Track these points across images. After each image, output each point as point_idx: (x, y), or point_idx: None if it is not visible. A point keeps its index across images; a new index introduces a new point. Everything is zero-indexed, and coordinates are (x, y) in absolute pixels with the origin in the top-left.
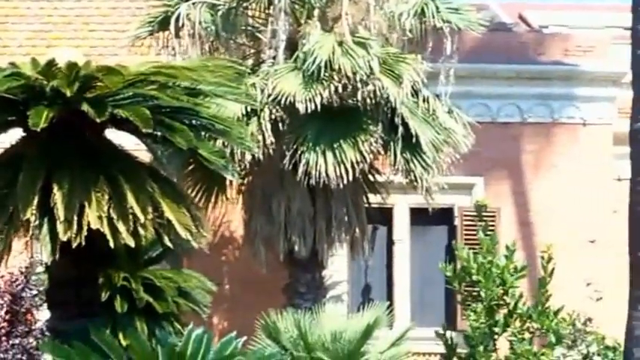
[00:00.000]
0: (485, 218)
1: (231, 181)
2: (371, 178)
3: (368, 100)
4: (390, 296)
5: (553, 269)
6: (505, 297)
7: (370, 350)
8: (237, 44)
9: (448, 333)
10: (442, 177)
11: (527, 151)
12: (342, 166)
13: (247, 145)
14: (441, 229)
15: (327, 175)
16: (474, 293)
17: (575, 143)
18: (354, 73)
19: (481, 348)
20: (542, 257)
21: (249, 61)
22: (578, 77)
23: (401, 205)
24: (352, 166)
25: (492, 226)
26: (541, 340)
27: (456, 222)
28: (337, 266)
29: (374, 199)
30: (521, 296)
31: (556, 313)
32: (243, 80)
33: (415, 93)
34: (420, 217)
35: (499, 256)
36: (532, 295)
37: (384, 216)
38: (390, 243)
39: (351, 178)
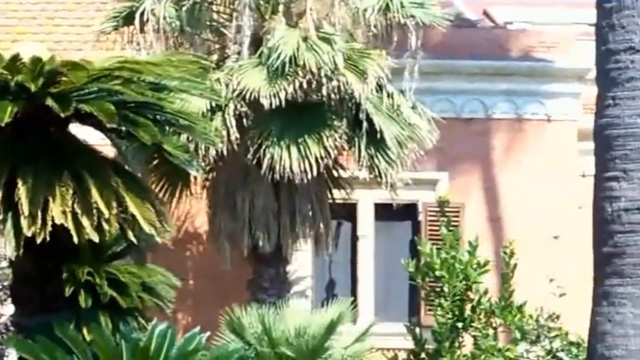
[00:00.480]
0: (448, 214)
1: (195, 177)
2: (335, 173)
3: (332, 96)
4: (354, 292)
5: (515, 265)
6: (469, 292)
7: (334, 346)
8: (201, 39)
9: (417, 328)
10: (406, 172)
11: (492, 147)
12: (306, 161)
13: (211, 140)
14: (406, 224)
15: (291, 170)
16: (437, 289)
17: (539, 139)
18: (319, 69)
19: (447, 344)
20: (505, 253)
21: (214, 57)
22: (543, 73)
23: (365, 201)
24: (316, 162)
25: (456, 221)
26: (507, 335)
27: (420, 217)
28: (301, 262)
29: (338, 194)
30: (485, 292)
31: (519, 308)
32: (207, 75)
33: (380, 88)
34: (384, 212)
35: (462, 252)
36: (499, 291)
37: (349, 211)
38: (354, 238)
39: (315, 173)
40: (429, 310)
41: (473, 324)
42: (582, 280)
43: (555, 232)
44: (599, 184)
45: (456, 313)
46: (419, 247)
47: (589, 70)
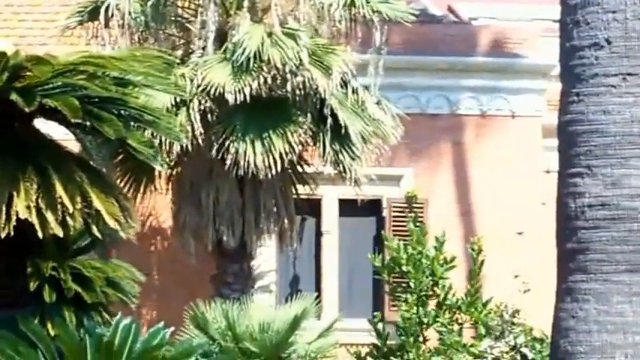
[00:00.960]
0: (414, 209)
1: (160, 172)
2: (300, 169)
3: (297, 91)
4: (318, 287)
5: (482, 261)
6: (435, 288)
7: (298, 341)
8: (166, 35)
9: (381, 324)
10: (371, 168)
11: (457, 143)
12: (270, 156)
13: (176, 135)
14: (370, 220)
15: (255, 165)
16: (404, 284)
17: (504, 135)
18: (284, 64)
19: (411, 339)
20: (472, 249)
21: (179, 52)
22: (508, 69)
23: (329, 197)
24: (281, 157)
25: (421, 217)
26: (472, 331)
27: (385, 213)
28: (265, 257)
29: (302, 190)
30: (450, 287)
31: (485, 304)
32: (172, 71)
33: (344, 84)
34: (348, 208)
35: (428, 247)
36: (465, 287)
37: (313, 207)
38: (318, 234)
39: (279, 168)
40: (394, 305)
41: (438, 319)
42: (546, 276)
43: (520, 228)
44: (563, 181)
45: (422, 308)
46: (385, 243)
47: (553, 67)
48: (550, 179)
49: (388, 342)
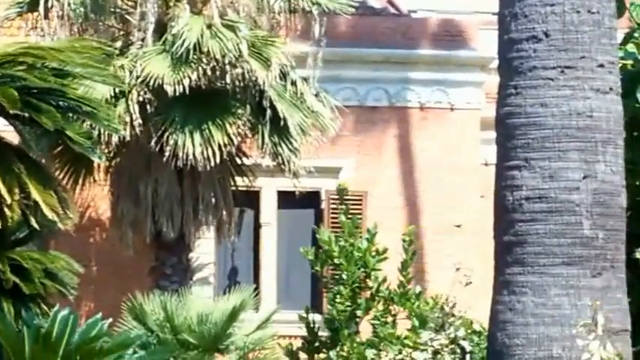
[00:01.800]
0: (351, 202)
1: (98, 163)
2: (238, 160)
3: (236, 83)
4: (256, 279)
5: (414, 252)
6: (368, 280)
7: (236, 333)
8: (106, 26)
9: (314, 316)
10: (310, 160)
11: (395, 136)
12: (209, 148)
13: (114, 126)
14: (308, 212)
15: (194, 157)
16: (337, 276)
17: (443, 128)
18: (223, 56)
19: (345, 331)
20: (404, 241)
21: (118, 43)
22: (447, 62)
23: (268, 188)
24: (220, 149)
25: (359, 209)
26: (409, 323)
27: (323, 205)
28: (204, 249)
29: (241, 181)
30: (384, 279)
31: (418, 296)
32: (111, 62)
33: (283, 76)
34: (287, 200)
35: (362, 240)
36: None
37: (252, 199)
38: (257, 226)
39: (218, 160)
40: (331, 298)
41: (371, 311)
42: (485, 268)
43: (459, 220)
44: (500, 173)
45: (355, 300)
46: (317, 236)
47: (492, 59)
48: (488, 172)
49: (322, 334)
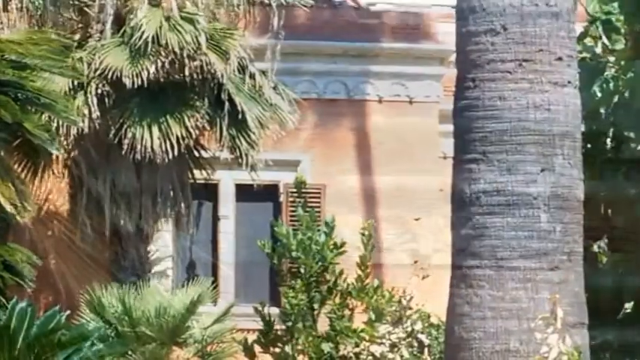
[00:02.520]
0: (309, 195)
1: (57, 156)
2: (196, 153)
3: (194, 76)
4: (214, 272)
5: (373, 246)
6: (325, 273)
7: (194, 326)
8: (64, 18)
9: (271, 309)
10: (268, 153)
11: (354, 129)
12: (167, 141)
13: (72, 119)
14: (267, 205)
15: (152, 150)
16: (294, 270)
17: (401, 121)
18: (181, 49)
19: (301, 325)
20: (363, 234)
21: (77, 36)
22: (406, 55)
23: (226, 182)
24: (178, 142)
25: (318, 203)
26: (366, 317)
27: (282, 199)
28: (162, 242)
29: (199, 174)
30: (341, 273)
31: (375, 289)
32: (69, 54)
33: (242, 69)
34: (245, 193)
35: (320, 233)
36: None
37: (210, 192)
38: (215, 219)
39: (176, 153)
40: (286, 291)
41: (328, 304)
42: (444, 262)
43: (418, 214)
44: (458, 166)
45: (312, 294)
46: (275, 229)
47: (451, 52)
48: (447, 165)
49: (281, 328)
